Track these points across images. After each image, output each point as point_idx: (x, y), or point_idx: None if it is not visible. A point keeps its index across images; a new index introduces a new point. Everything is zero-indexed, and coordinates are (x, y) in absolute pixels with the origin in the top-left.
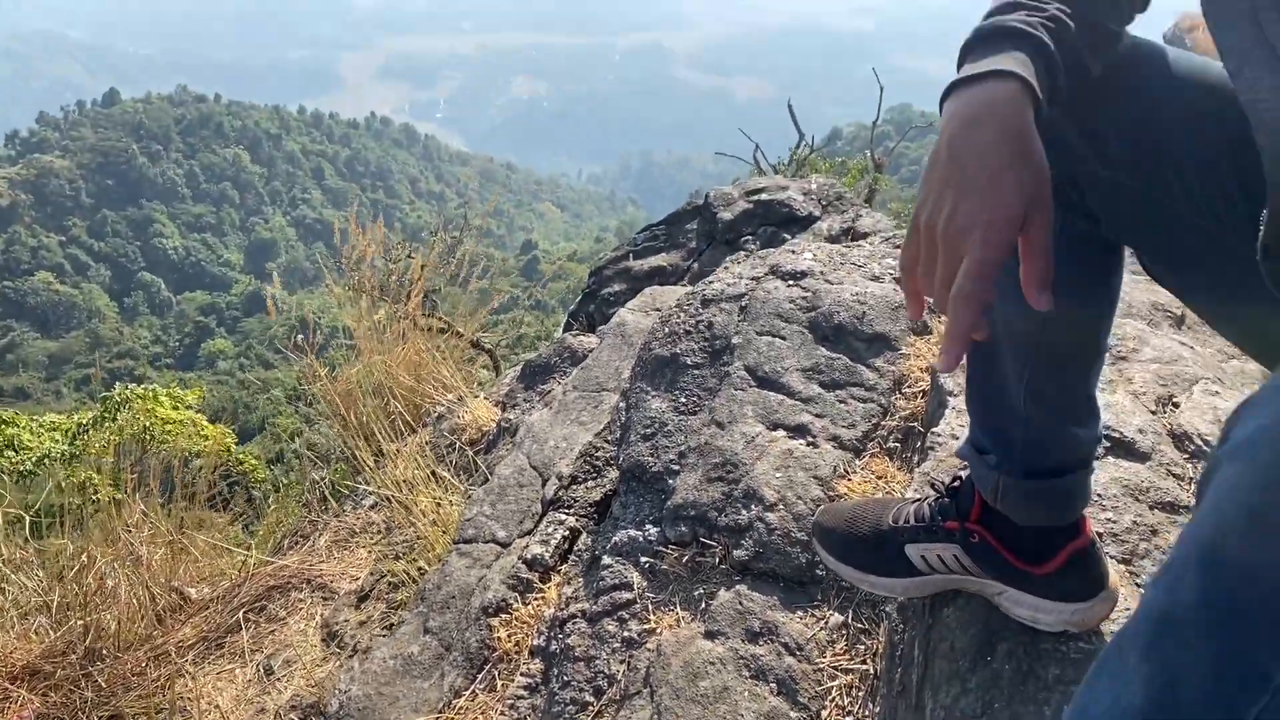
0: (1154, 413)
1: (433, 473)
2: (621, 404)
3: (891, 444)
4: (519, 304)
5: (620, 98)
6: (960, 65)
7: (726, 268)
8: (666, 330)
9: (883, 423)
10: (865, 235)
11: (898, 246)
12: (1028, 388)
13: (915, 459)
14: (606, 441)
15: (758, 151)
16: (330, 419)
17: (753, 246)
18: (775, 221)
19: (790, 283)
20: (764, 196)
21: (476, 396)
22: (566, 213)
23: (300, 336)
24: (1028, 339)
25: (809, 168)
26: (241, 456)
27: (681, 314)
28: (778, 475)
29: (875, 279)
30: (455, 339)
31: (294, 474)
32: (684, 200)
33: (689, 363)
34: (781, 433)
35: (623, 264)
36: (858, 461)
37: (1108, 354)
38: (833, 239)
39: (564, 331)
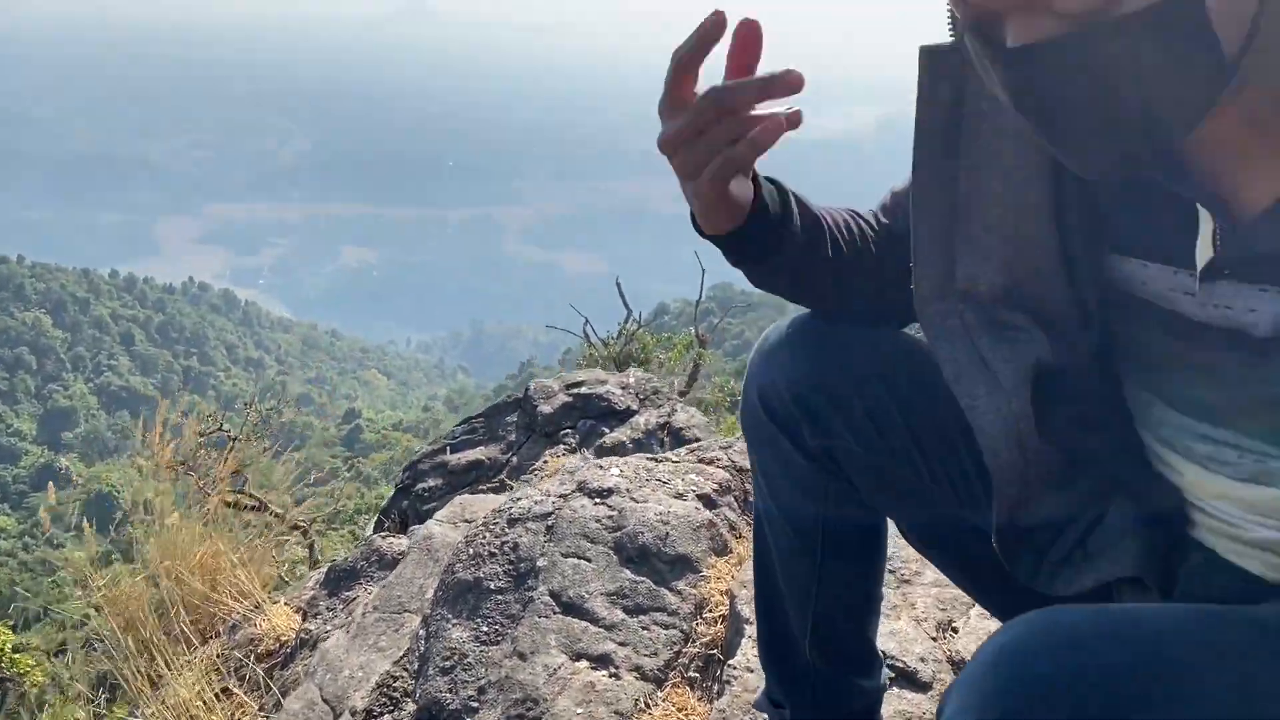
0: (934, 639)
1: (220, 691)
2: (421, 631)
3: (692, 673)
4: (339, 475)
5: (451, 268)
6: None
7: (534, 483)
8: (471, 552)
9: (684, 650)
10: (680, 430)
11: (702, 460)
12: (810, 640)
13: (715, 688)
14: (405, 670)
15: (587, 325)
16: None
17: (572, 440)
18: (594, 415)
19: (597, 501)
20: (583, 390)
21: (276, 602)
22: (393, 380)
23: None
24: (806, 593)
25: (637, 342)
26: (16, 659)
27: (487, 534)
28: (579, 711)
29: (679, 496)
30: (267, 517)
31: (75, 666)
32: (515, 368)
33: (492, 587)
34: (584, 663)
35: (439, 458)
36: (659, 693)
37: (894, 576)
38: (649, 433)
39: (374, 531)
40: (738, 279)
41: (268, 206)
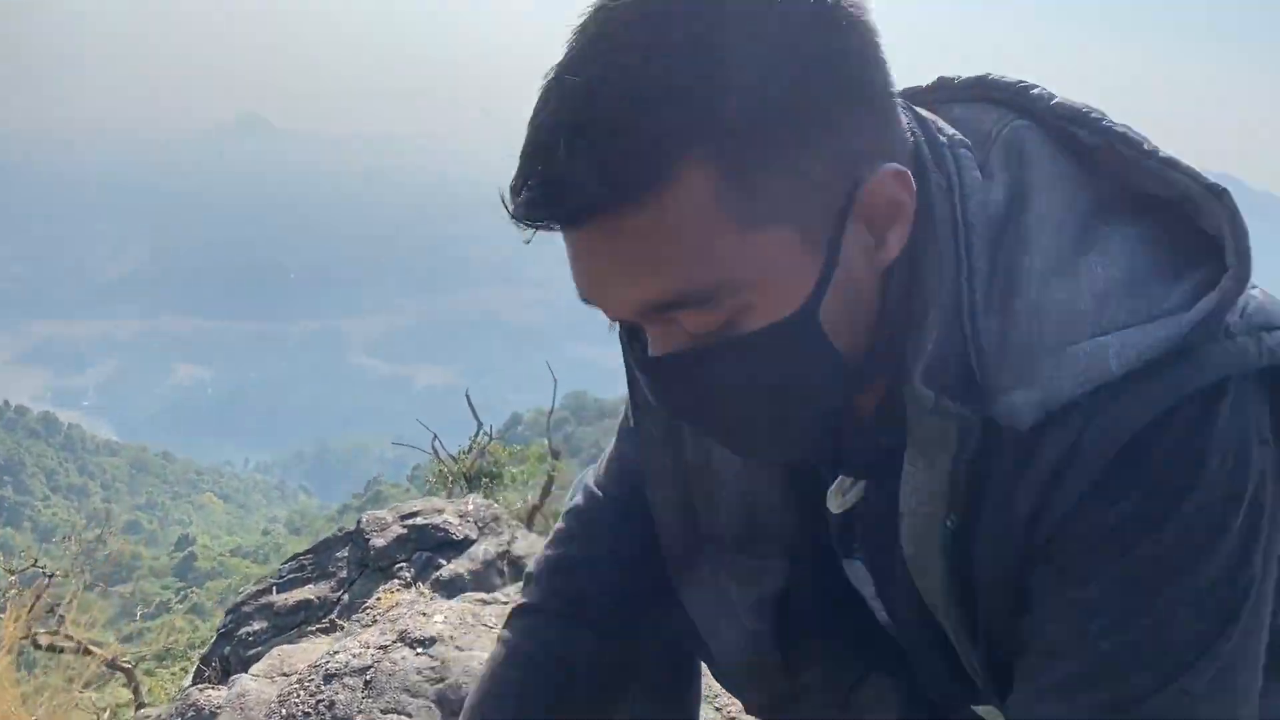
0: None
1: None
2: None
3: None
4: (170, 608)
5: (293, 384)
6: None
7: (362, 625)
8: (284, 713)
9: None
10: (520, 559)
11: None
12: None
13: None
14: None
15: (436, 441)
16: None
17: (408, 574)
18: (431, 546)
19: (419, 650)
20: (419, 520)
21: None
22: (230, 503)
23: None
24: None
25: (489, 455)
26: None
27: (301, 691)
28: None
29: None
30: (85, 658)
31: None
32: (361, 487)
33: None
34: None
35: (264, 599)
36: None
37: (720, 714)
38: (488, 563)
39: (194, 681)
40: (591, 386)
41: (95, 323)
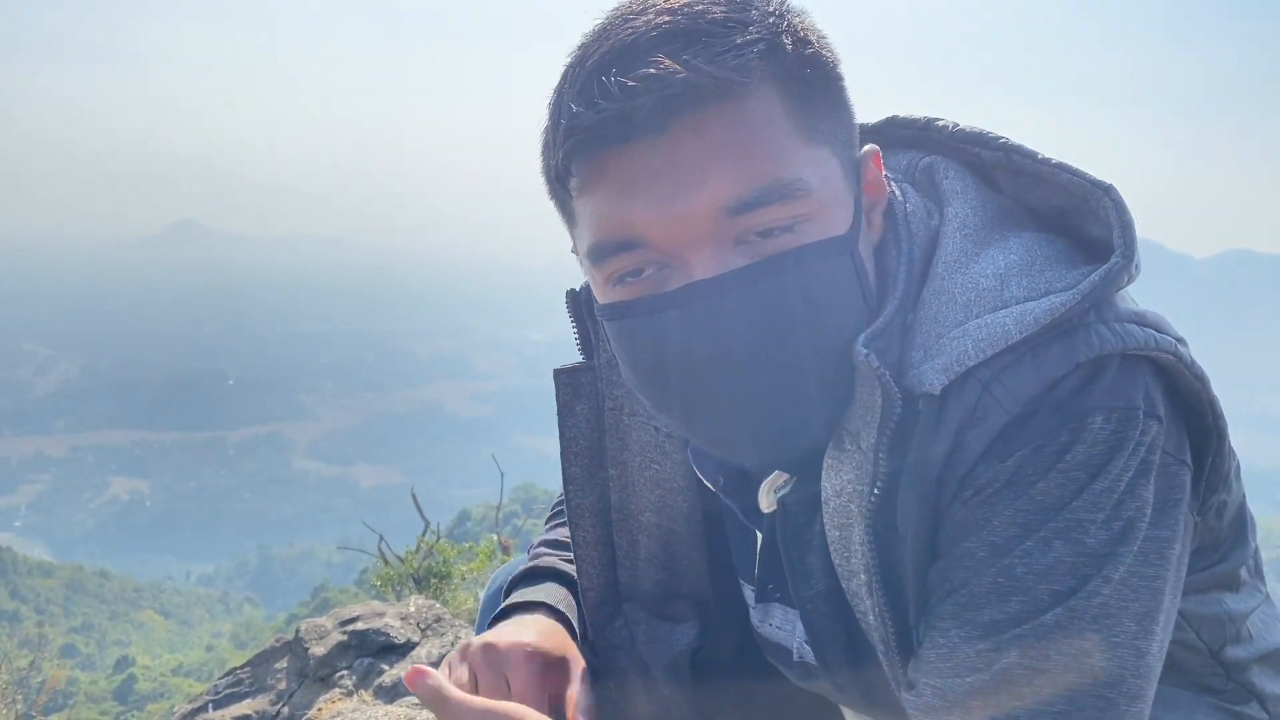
0: None
1: None
2: None
3: None
4: None
5: (234, 492)
6: (508, 594)
7: None
8: None
9: None
10: None
11: None
12: None
13: None
14: None
15: (382, 543)
16: None
17: (349, 681)
18: (373, 651)
19: None
20: (360, 626)
21: None
22: (172, 620)
23: None
24: None
25: (438, 554)
26: None
27: None
28: None
29: None
30: None
31: None
32: (309, 594)
33: None
34: None
35: (200, 718)
36: None
37: None
38: (432, 665)
39: None
40: (540, 478)
41: (25, 440)
